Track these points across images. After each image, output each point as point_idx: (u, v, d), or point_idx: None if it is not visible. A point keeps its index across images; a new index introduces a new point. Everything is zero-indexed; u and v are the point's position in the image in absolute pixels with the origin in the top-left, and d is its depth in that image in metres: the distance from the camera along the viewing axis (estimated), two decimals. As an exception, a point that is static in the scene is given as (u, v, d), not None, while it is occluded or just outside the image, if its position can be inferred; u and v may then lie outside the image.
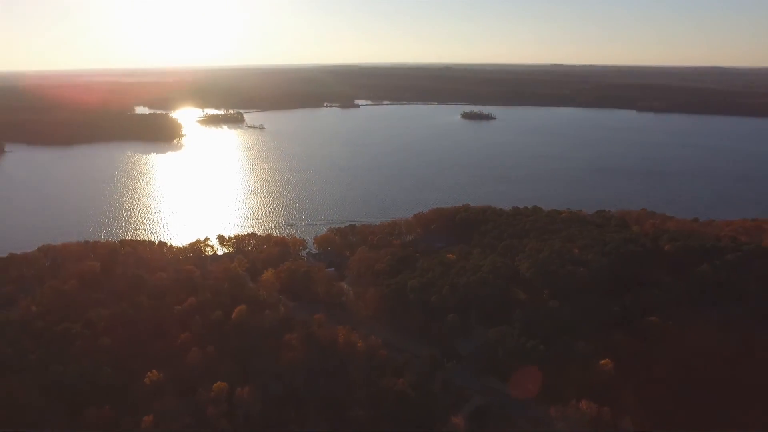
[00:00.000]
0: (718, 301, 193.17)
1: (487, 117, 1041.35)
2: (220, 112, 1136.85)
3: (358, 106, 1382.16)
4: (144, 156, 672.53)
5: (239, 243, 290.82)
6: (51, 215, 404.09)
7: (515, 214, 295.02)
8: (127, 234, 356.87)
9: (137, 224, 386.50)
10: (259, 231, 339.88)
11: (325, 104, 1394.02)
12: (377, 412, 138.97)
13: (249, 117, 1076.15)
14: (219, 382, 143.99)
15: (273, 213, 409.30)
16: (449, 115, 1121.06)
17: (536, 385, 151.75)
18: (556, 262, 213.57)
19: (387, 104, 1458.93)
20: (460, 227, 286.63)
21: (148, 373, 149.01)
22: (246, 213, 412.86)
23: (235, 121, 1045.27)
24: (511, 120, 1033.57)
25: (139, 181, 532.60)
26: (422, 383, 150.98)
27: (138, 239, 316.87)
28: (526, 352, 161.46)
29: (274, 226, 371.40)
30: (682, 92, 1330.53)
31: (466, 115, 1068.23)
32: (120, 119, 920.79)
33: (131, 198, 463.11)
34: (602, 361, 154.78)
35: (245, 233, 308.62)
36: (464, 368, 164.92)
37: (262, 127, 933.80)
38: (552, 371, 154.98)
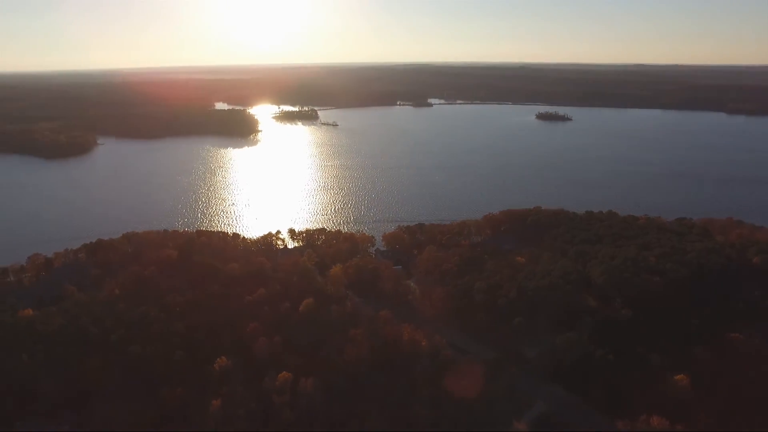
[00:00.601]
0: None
1: (563, 118, 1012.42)
2: (295, 108, 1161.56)
3: (431, 104, 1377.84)
4: (221, 150, 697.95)
5: (309, 237, 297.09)
6: (135, 204, 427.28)
7: (588, 218, 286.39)
8: (203, 224, 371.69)
9: (212, 215, 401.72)
10: (329, 226, 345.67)
11: (399, 103, 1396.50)
12: (438, 413, 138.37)
13: (323, 114, 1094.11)
14: (284, 372, 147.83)
15: (343, 209, 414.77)
16: (524, 115, 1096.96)
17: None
18: (631, 269, 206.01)
19: (460, 103, 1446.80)
20: (530, 230, 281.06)
21: (218, 359, 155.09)
22: (317, 208, 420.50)
23: (309, 117, 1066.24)
24: (589, 121, 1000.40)
25: (216, 174, 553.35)
26: (485, 386, 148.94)
27: (213, 230, 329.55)
28: (594, 361, 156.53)
29: (344, 222, 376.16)
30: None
31: (541, 116, 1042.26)
32: (201, 115, 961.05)
33: (208, 190, 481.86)
34: (678, 376, 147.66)
35: (315, 228, 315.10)
36: (529, 374, 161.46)
37: (335, 124, 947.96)
38: (621, 383, 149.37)
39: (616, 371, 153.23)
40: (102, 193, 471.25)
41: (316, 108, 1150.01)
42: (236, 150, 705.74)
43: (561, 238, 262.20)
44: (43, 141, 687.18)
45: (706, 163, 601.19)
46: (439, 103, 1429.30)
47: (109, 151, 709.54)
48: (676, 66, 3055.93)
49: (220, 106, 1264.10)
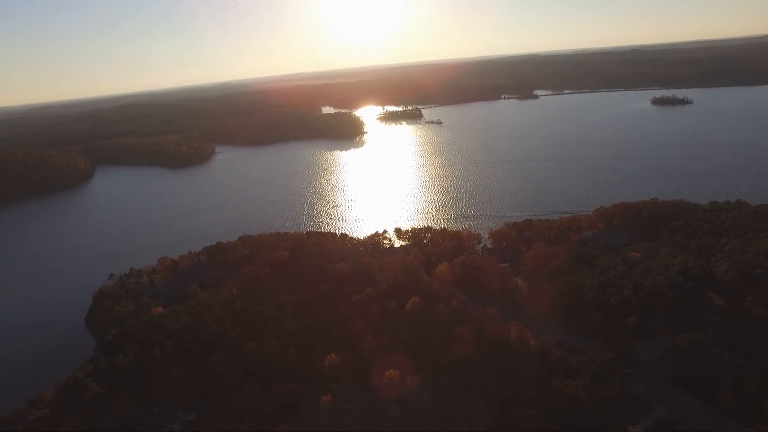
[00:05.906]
0: None
1: (682, 101, 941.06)
2: (400, 108, 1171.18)
3: (537, 96, 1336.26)
4: (328, 153, 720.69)
5: (415, 236, 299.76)
6: (249, 207, 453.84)
7: (713, 209, 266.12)
8: (313, 225, 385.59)
9: (322, 216, 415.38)
10: (435, 224, 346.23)
11: (503, 96, 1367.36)
12: (546, 414, 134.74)
13: (427, 112, 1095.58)
14: (391, 369, 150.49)
15: (448, 207, 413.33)
16: (637, 101, 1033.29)
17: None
18: (764, 264, 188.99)
19: (568, 93, 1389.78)
20: (646, 223, 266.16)
21: (328, 356, 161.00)
22: (422, 206, 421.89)
23: (413, 116, 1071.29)
24: (712, 104, 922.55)
25: (324, 176, 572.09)
26: (597, 388, 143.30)
27: (322, 231, 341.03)
28: (722, 364, 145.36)
29: (449, 220, 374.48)
30: None
31: (657, 101, 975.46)
32: (309, 120, 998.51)
33: (316, 192, 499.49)
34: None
35: (421, 227, 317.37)
36: (645, 376, 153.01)
37: (439, 122, 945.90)
38: (754, 388, 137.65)
39: (747, 376, 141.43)
40: (219, 197, 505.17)
41: (420, 107, 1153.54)
42: (343, 152, 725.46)
43: (681, 231, 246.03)
44: (168, 152, 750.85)
45: None
46: (546, 95, 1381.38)
47: (225, 159, 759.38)
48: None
49: (327, 110, 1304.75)
